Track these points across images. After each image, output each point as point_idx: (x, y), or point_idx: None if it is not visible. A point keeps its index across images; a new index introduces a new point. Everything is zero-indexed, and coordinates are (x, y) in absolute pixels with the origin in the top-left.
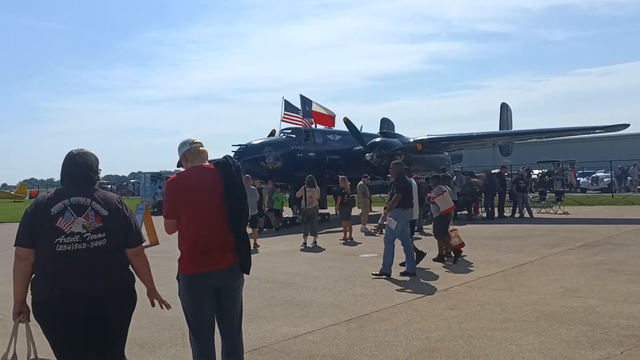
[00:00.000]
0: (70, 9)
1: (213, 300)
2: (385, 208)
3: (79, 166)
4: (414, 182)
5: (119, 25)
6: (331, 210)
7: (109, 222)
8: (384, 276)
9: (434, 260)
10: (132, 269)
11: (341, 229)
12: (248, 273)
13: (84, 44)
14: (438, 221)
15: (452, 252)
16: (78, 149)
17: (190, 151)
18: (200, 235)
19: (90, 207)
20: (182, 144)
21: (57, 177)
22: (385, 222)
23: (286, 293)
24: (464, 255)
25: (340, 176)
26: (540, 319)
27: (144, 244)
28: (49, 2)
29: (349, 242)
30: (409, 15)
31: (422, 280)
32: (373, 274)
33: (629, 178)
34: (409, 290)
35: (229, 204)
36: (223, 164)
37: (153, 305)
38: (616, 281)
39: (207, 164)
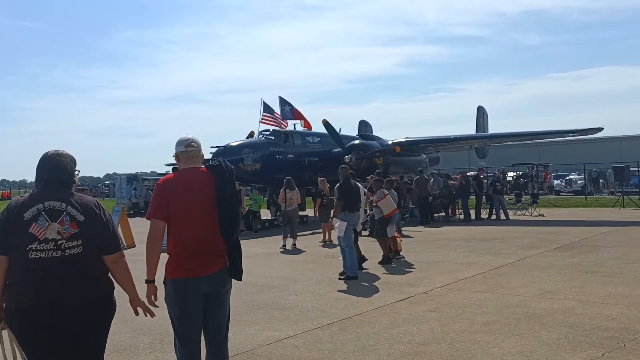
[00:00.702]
0: (46, 8)
1: (202, 306)
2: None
3: (54, 169)
4: (359, 185)
5: (96, 24)
6: (310, 212)
7: (86, 228)
8: (350, 280)
9: (380, 263)
10: (111, 277)
11: (320, 230)
12: (240, 279)
13: (59, 43)
14: (380, 224)
15: (391, 251)
16: (54, 150)
17: (185, 154)
18: (191, 239)
19: (65, 212)
20: (179, 143)
21: (30, 179)
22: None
23: (267, 296)
24: (401, 258)
25: (319, 178)
26: (521, 321)
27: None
28: (23, 0)
29: (328, 244)
30: (386, 18)
31: (402, 283)
32: (339, 276)
33: (600, 181)
34: (389, 293)
35: (223, 209)
36: (217, 167)
37: (137, 314)
38: (593, 283)
39: (201, 166)
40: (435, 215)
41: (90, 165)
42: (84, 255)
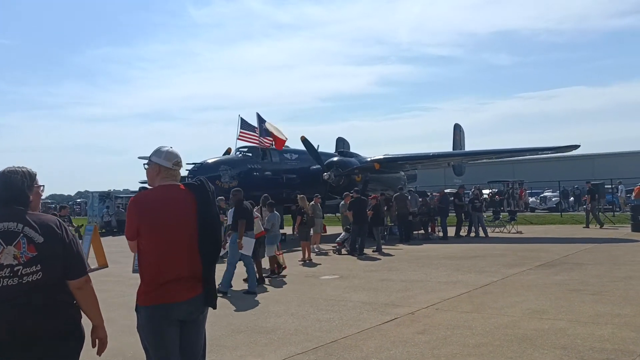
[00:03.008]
0: (16, 23)
1: (177, 334)
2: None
3: (6, 187)
4: (249, 205)
5: (68, 41)
6: (288, 230)
7: (45, 251)
8: (220, 294)
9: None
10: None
11: (299, 249)
12: (215, 307)
13: (29, 59)
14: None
15: (276, 269)
16: (9, 167)
17: (169, 171)
18: (166, 264)
19: (22, 234)
20: (165, 156)
21: None
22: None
23: (247, 319)
24: (283, 276)
25: (299, 195)
26: (512, 342)
27: (92, 267)
28: None
29: (307, 263)
30: (360, 37)
31: (386, 303)
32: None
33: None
34: (375, 314)
35: (205, 233)
36: (198, 187)
37: (94, 345)
38: (581, 301)
39: (179, 184)
40: (414, 232)
41: (61, 182)
42: (44, 281)
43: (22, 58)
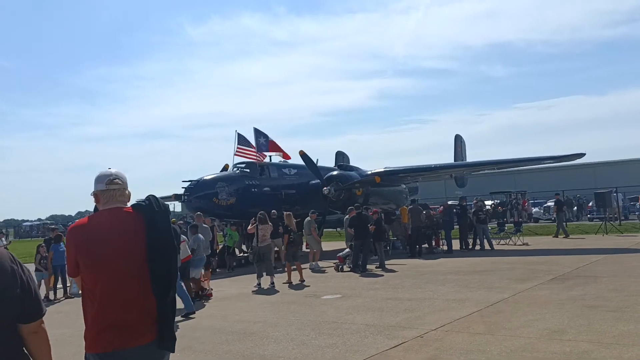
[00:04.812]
0: (17, 45)
1: None
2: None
3: None
4: (177, 228)
5: (65, 61)
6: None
7: (2, 292)
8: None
9: None
10: (26, 351)
11: (294, 267)
12: (173, 351)
13: (28, 80)
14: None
15: (199, 292)
16: None
17: (106, 193)
18: (112, 303)
19: None
20: (98, 179)
21: None
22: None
23: (244, 346)
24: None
25: (285, 212)
26: None
27: (78, 292)
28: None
29: (298, 284)
30: (356, 52)
31: (392, 325)
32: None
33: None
34: (380, 338)
35: (156, 261)
36: (145, 207)
37: None
38: (601, 319)
39: (126, 206)
40: (417, 246)
41: (61, 203)
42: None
43: (22, 80)
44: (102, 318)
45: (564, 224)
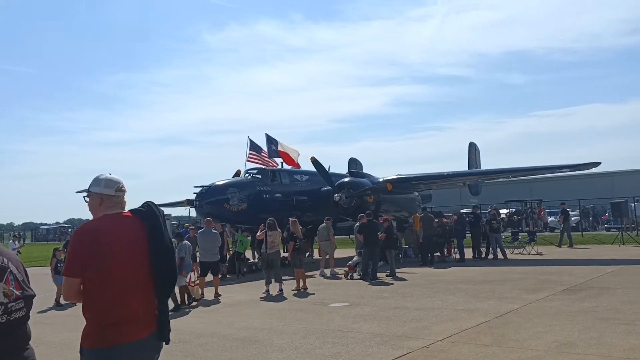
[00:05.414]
0: (38, 52)
1: None
2: None
3: None
4: None
5: (84, 68)
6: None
7: (26, 289)
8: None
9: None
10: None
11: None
12: (168, 342)
13: (48, 86)
14: None
15: (186, 300)
16: None
17: (113, 198)
18: (118, 300)
19: (9, 269)
20: (106, 184)
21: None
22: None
23: (247, 354)
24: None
25: (290, 219)
26: None
27: None
28: (18, 45)
29: (302, 292)
30: (372, 59)
31: (398, 335)
32: None
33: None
34: (385, 348)
35: (158, 263)
36: (146, 213)
37: None
38: (612, 332)
39: (125, 211)
40: (429, 255)
41: (79, 206)
42: (24, 319)
43: (41, 86)
44: (107, 316)
45: (569, 233)
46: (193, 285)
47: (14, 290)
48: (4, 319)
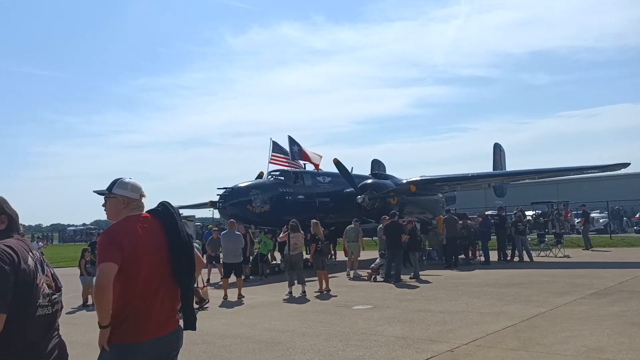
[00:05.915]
0: (64, 56)
1: None
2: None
3: (13, 212)
4: None
5: (109, 71)
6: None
7: (58, 280)
8: None
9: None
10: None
11: (315, 278)
12: (195, 329)
13: (74, 89)
14: None
15: (196, 302)
16: None
17: (136, 202)
18: (144, 296)
19: (45, 262)
20: (132, 189)
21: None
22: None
23: (270, 356)
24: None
25: (312, 221)
26: None
27: None
28: (46, 50)
29: (324, 294)
30: (394, 60)
31: (422, 339)
32: None
33: (625, 219)
34: (409, 352)
35: (178, 257)
36: (162, 211)
37: None
38: None
39: (144, 212)
40: (453, 257)
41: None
42: (60, 310)
43: (67, 89)
44: (136, 309)
45: (588, 235)
46: (203, 288)
47: (51, 281)
48: (50, 310)
